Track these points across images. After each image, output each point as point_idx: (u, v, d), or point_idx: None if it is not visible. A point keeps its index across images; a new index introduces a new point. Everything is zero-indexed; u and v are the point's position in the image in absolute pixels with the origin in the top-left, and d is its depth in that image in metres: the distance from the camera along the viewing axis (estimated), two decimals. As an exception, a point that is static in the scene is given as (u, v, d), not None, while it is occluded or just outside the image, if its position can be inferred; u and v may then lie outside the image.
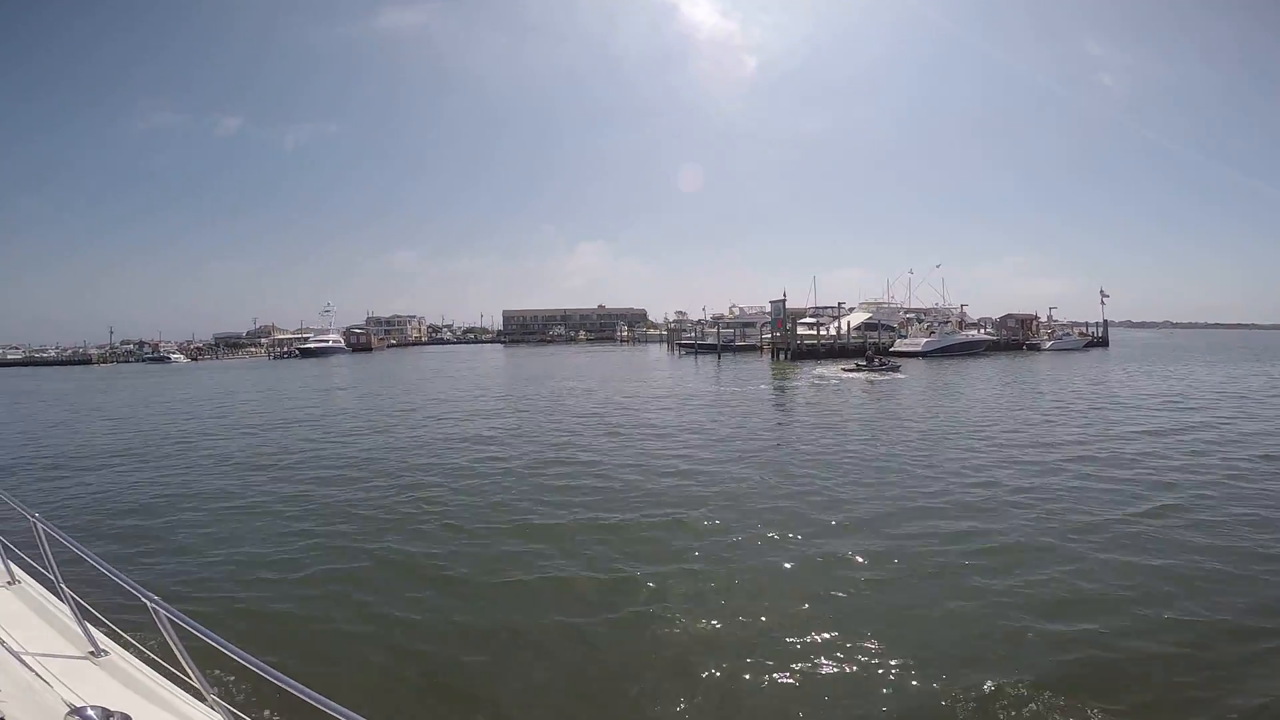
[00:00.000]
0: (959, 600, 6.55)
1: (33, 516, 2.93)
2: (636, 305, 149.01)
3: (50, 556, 2.93)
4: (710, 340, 61.44)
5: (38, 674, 2.42)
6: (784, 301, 51.43)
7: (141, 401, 31.35)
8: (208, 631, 1.96)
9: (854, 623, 6.09)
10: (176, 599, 6.07)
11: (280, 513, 10.18)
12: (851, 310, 60.50)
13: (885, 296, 66.79)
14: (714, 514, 9.65)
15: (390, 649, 5.82)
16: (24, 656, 2.52)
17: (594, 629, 6.12)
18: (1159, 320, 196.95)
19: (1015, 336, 60.44)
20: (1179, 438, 15.25)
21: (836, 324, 55.95)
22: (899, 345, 50.33)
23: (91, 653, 2.68)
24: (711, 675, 5.27)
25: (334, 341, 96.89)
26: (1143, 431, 16.12)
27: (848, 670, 5.33)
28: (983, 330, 60.95)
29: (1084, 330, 66.82)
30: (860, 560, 7.64)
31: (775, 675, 5.27)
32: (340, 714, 1.57)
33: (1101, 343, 63.66)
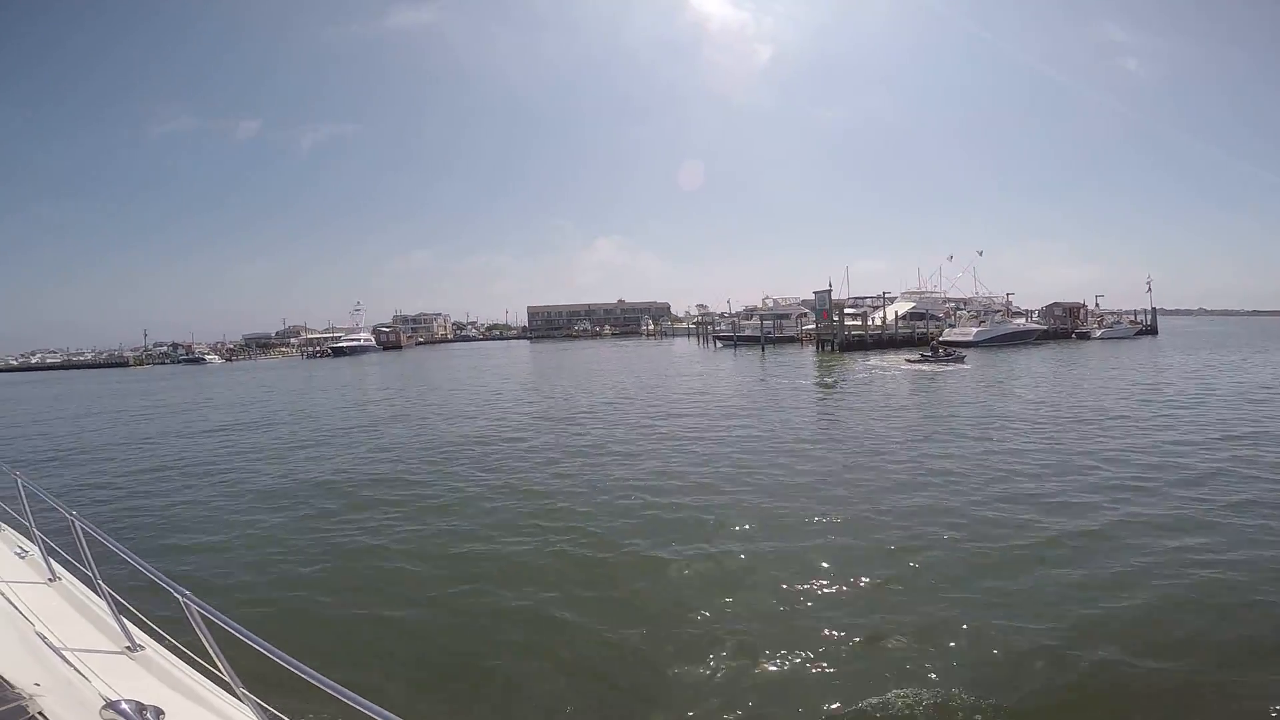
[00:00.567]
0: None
1: (70, 514, 2.99)
2: (654, 299, 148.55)
3: (89, 554, 3.00)
4: (749, 332, 60.52)
5: (75, 668, 2.48)
6: (830, 291, 50.32)
7: (250, 398, 31.50)
8: (237, 626, 1.95)
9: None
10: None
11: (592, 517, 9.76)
12: (893, 300, 59.30)
13: (917, 285, 65.42)
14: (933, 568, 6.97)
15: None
16: (63, 651, 2.60)
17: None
18: (1193, 308, 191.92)
19: (1063, 325, 58.77)
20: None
21: (881, 314, 54.82)
22: (947, 335, 49.04)
23: (128, 647, 2.73)
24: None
25: (365, 340, 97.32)
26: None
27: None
28: (1030, 319, 59.42)
29: (1133, 319, 64.86)
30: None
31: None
32: (372, 711, 1.57)
33: (1151, 330, 61.69)
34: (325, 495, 11.11)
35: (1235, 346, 44.64)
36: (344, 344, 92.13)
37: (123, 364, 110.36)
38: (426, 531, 8.97)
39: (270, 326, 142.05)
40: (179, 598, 2.15)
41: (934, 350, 33.92)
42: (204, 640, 2.18)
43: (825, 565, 7.15)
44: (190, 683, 2.54)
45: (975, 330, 49.89)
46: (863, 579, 6.74)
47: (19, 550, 3.98)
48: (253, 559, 8.19)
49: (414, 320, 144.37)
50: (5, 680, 2.16)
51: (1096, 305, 66.77)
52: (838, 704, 4.67)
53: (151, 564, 2.51)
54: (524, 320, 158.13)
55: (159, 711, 2.04)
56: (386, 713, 1.57)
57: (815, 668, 5.16)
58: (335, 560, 8.05)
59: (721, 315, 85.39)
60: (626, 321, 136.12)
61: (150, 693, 2.32)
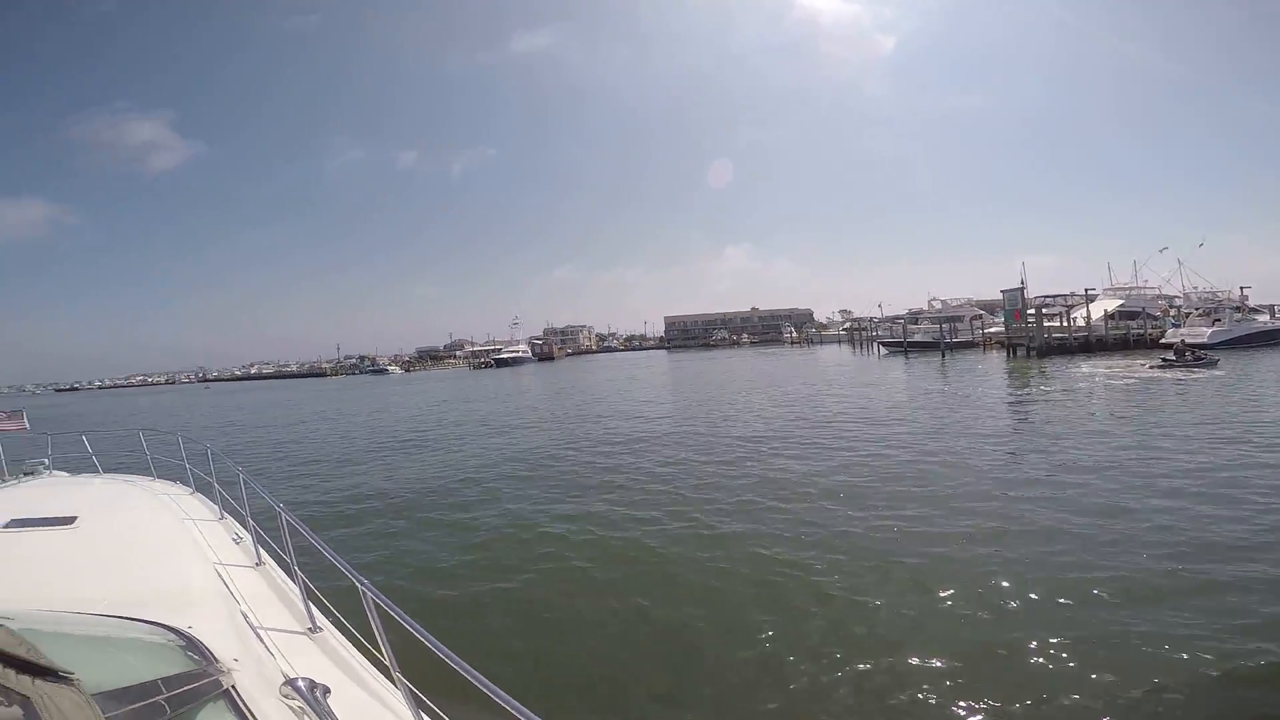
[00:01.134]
0: None
1: (278, 507, 3.33)
2: (792, 306, 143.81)
3: (289, 543, 3.30)
4: (919, 337, 56.14)
5: (266, 646, 2.68)
6: (1022, 289, 45.26)
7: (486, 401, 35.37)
8: (404, 615, 2.07)
9: None
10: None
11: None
12: (1094, 297, 52.01)
13: (1109, 281, 56.87)
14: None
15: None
16: (259, 630, 2.84)
17: None
18: None
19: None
20: None
21: (1085, 312, 48.30)
22: (1170, 336, 42.03)
23: (310, 628, 2.99)
24: None
25: (522, 352, 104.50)
26: None
27: None
28: (1275, 315, 49.28)
29: None
30: None
31: None
32: (516, 710, 1.60)
33: None
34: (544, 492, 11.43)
35: None
36: (505, 355, 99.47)
37: (321, 374, 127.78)
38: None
39: (438, 340, 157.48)
40: (359, 586, 2.33)
41: (1179, 353, 29.03)
42: (373, 626, 2.35)
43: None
44: (355, 664, 2.75)
45: (1210, 330, 42.19)
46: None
47: (235, 536, 4.41)
48: (433, 553, 8.65)
49: (562, 332, 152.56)
50: (212, 654, 2.30)
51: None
52: None
53: (341, 555, 2.69)
54: (660, 330, 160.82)
55: (326, 690, 2.19)
56: (532, 714, 1.58)
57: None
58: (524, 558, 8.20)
59: (875, 321, 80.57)
60: (765, 329, 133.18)
61: (322, 671, 2.54)
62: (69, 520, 4.14)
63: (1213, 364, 28.44)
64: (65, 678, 1.20)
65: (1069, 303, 53.87)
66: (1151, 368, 28.37)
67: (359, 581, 2.36)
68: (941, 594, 6.36)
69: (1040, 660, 5.16)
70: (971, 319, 61.34)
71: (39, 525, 4.07)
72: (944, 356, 46.70)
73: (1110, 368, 31.09)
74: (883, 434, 15.79)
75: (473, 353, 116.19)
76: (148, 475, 6.46)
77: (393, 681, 2.40)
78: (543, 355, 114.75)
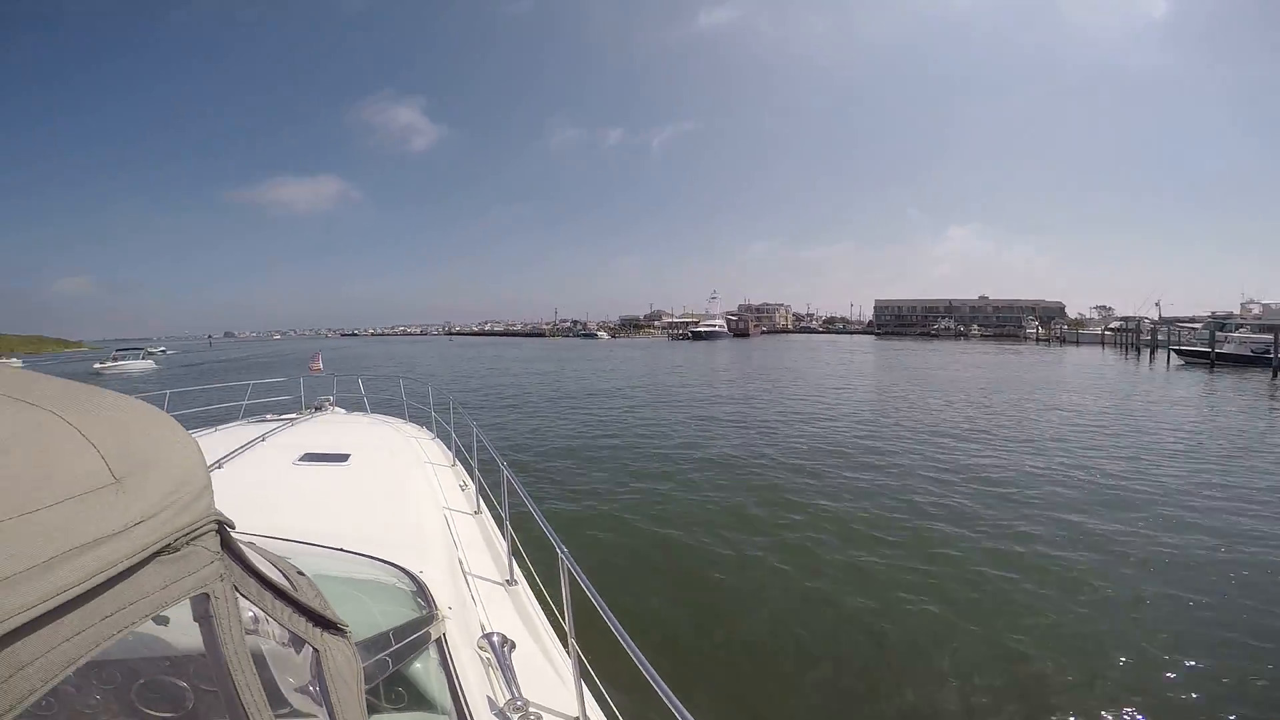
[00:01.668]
0: None
1: (502, 464, 3.66)
2: (1029, 297, 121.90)
3: (506, 498, 3.56)
4: (1231, 348, 42.88)
5: (472, 595, 2.85)
6: None
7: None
8: (593, 590, 2.11)
9: None
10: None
11: None
12: None
13: None
14: None
15: None
16: (470, 579, 3.01)
17: None
18: None
19: None
20: None
21: None
22: None
23: (507, 581, 3.18)
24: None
25: (719, 326, 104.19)
26: None
27: None
28: None
29: None
30: None
31: None
32: (675, 707, 1.60)
33: None
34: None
35: None
36: (702, 329, 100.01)
37: (540, 334, 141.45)
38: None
39: (639, 309, 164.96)
40: (559, 551, 2.42)
41: None
42: (563, 593, 2.40)
43: None
44: (538, 623, 2.86)
45: None
46: None
47: (462, 483, 4.71)
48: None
49: (757, 309, 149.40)
50: (435, 601, 2.35)
51: None
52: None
53: (550, 518, 2.77)
54: (868, 314, 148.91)
55: (513, 645, 2.31)
56: (688, 715, 1.57)
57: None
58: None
59: (1154, 322, 64.12)
60: (1001, 322, 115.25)
61: (511, 626, 2.66)
62: (344, 458, 4.60)
63: None
64: (341, 630, 1.22)
65: None
66: None
67: (559, 548, 2.42)
68: None
69: None
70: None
71: (322, 461, 4.53)
72: (1275, 374, 34.88)
73: None
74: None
75: (670, 324, 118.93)
76: (401, 418, 7.27)
77: (566, 649, 2.43)
78: (738, 331, 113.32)
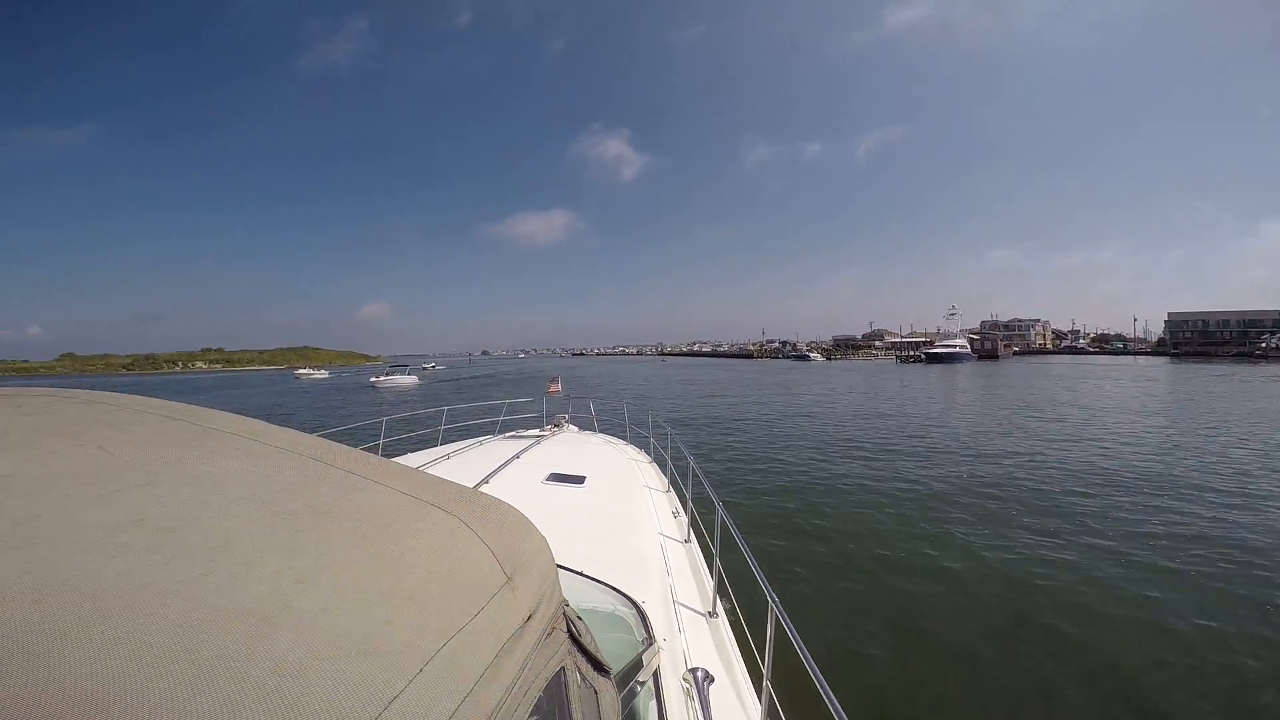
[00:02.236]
0: None
1: (717, 502, 3.41)
2: None
3: (718, 533, 3.34)
4: None
5: (680, 627, 2.76)
6: None
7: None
8: (795, 633, 2.03)
9: None
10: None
11: None
12: None
13: None
14: None
15: None
16: (679, 609, 2.95)
17: None
18: None
19: None
20: None
21: None
22: None
23: (709, 613, 3.05)
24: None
25: (960, 347, 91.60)
26: None
27: None
28: None
29: None
30: None
31: None
32: None
33: None
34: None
35: None
36: (939, 350, 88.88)
37: (748, 355, 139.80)
38: None
39: (854, 328, 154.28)
40: (768, 597, 2.27)
41: None
42: (767, 635, 2.26)
43: None
44: (733, 658, 2.70)
45: None
46: None
47: (674, 510, 4.74)
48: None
49: (1006, 326, 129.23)
50: (652, 630, 2.37)
51: None
52: None
53: (759, 558, 2.66)
54: (1157, 330, 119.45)
55: (712, 680, 2.27)
56: None
57: None
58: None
59: None
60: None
61: (710, 661, 2.58)
62: (580, 480, 4.88)
63: None
64: (608, 671, 1.22)
65: None
66: None
67: (769, 594, 2.30)
68: None
69: None
70: None
71: (564, 482, 4.81)
72: None
73: None
74: None
75: (896, 344, 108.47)
76: (624, 439, 7.61)
77: (759, 687, 2.40)
78: (984, 352, 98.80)
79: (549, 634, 0.96)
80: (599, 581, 2.71)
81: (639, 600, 2.60)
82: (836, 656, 5.47)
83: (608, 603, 2.56)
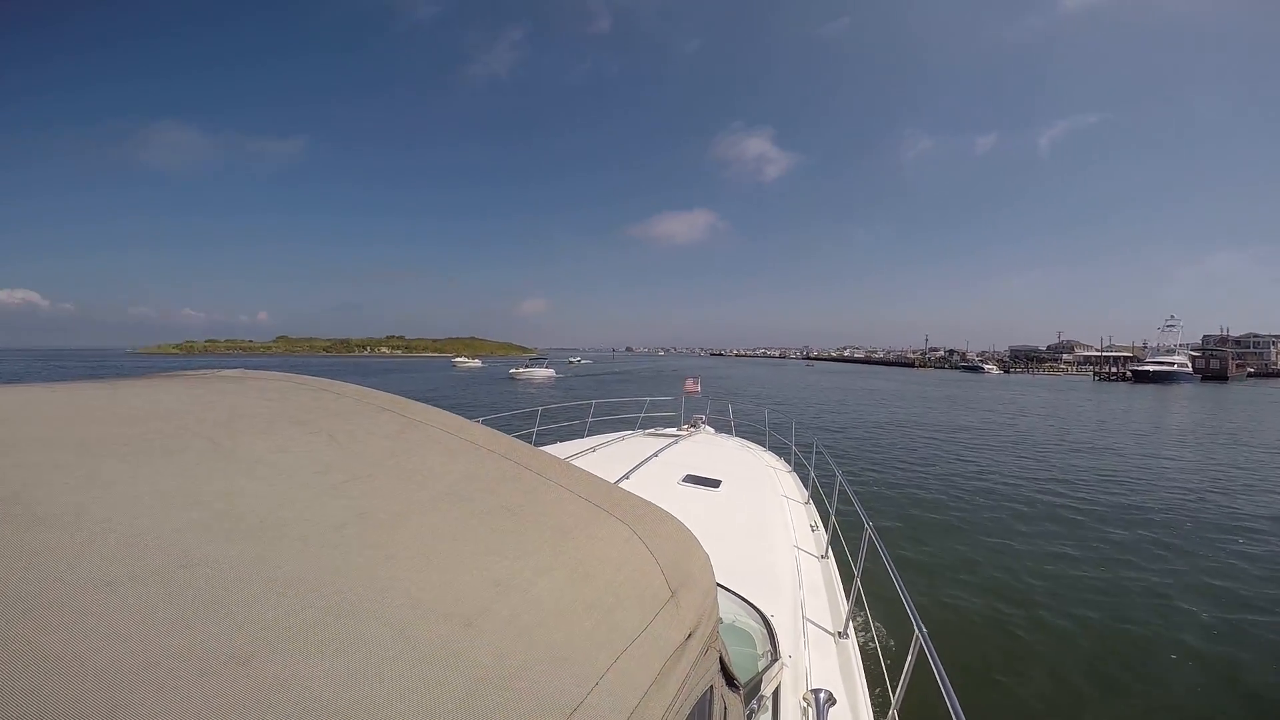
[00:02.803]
0: None
1: (867, 522, 3.25)
2: None
3: (863, 554, 3.23)
4: None
5: (806, 645, 2.65)
6: None
7: None
8: (940, 666, 1.95)
9: None
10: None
11: None
12: None
13: None
14: None
15: None
16: (807, 626, 2.84)
17: None
18: None
19: None
20: None
21: None
22: None
23: (839, 633, 2.90)
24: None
25: (1179, 366, 76.79)
26: None
27: None
28: None
29: None
30: None
31: None
32: None
33: None
34: None
35: None
36: (1149, 367, 75.31)
37: (908, 364, 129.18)
38: None
39: (1038, 339, 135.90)
40: (915, 624, 2.17)
41: None
42: (905, 662, 2.18)
43: None
44: (858, 683, 2.54)
45: None
46: None
47: (813, 524, 4.60)
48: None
49: (1238, 342, 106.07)
50: (779, 650, 2.28)
51: None
52: None
53: (909, 585, 2.49)
54: None
55: (834, 703, 2.20)
56: None
57: None
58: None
59: None
60: None
61: (834, 681, 2.46)
62: (716, 484, 4.78)
63: None
64: (738, 686, 1.22)
65: None
66: None
67: (917, 624, 2.18)
68: None
69: None
70: None
71: (699, 484, 4.73)
72: None
73: None
74: None
75: (1093, 358, 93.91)
76: (762, 445, 7.39)
77: (884, 715, 2.30)
78: (1209, 372, 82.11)
79: (705, 652, 0.95)
80: (728, 590, 2.67)
81: (768, 613, 2.54)
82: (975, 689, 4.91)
83: (733, 612, 2.52)
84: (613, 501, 1.08)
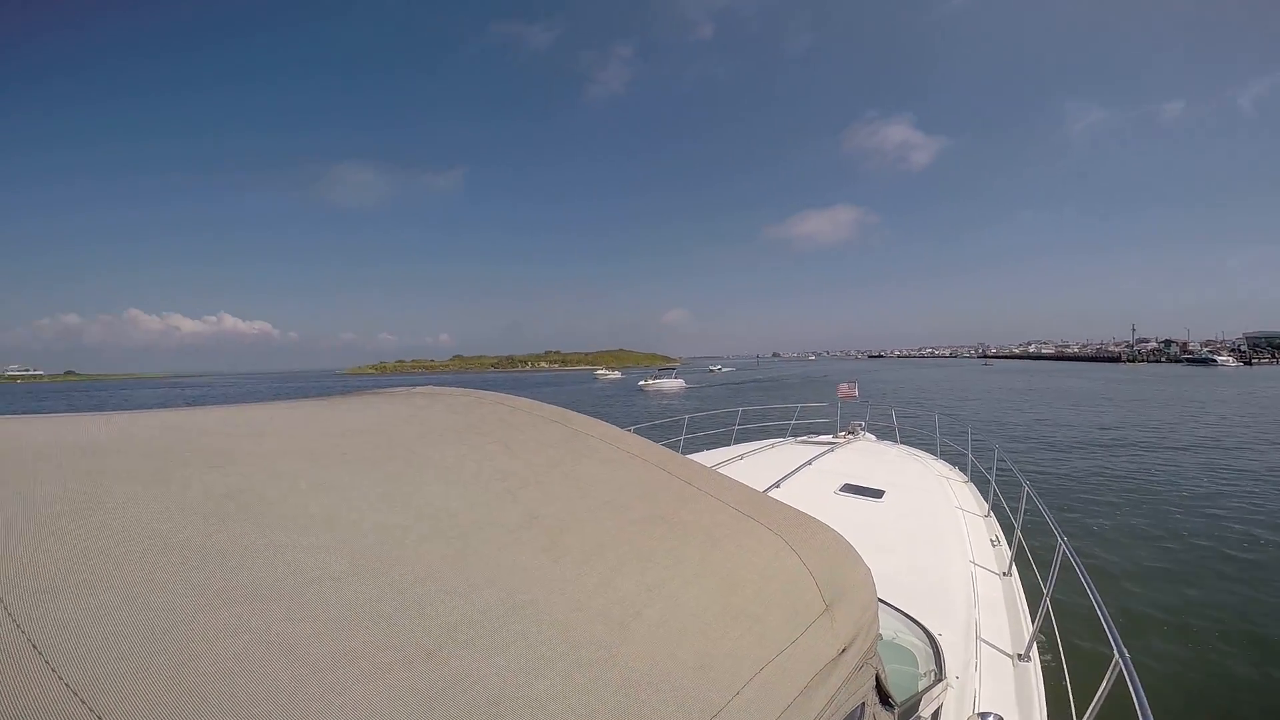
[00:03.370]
0: None
1: (1061, 537, 3.04)
2: None
3: (1055, 574, 2.93)
4: None
5: (977, 667, 2.48)
6: None
7: None
8: (1143, 701, 1.73)
9: None
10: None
11: None
12: None
13: None
14: None
15: None
16: (980, 646, 2.66)
17: None
18: None
19: None
20: None
21: None
22: None
23: (1019, 655, 2.72)
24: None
25: None
26: None
27: None
28: None
29: None
30: None
31: None
32: None
33: None
34: None
35: None
36: None
37: (1113, 359, 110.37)
38: None
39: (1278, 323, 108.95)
40: (1117, 653, 2.03)
41: None
42: (1099, 688, 2.06)
43: None
44: (1036, 712, 2.34)
45: None
46: None
47: (994, 539, 4.22)
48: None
49: None
50: (944, 666, 2.19)
51: None
52: None
53: (1114, 610, 2.43)
54: None
55: None
56: None
57: None
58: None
59: None
60: None
61: (1008, 707, 2.32)
62: (879, 494, 4.60)
63: None
64: (893, 706, 1.19)
65: None
66: None
67: (1118, 648, 2.00)
68: None
69: None
70: None
71: (859, 494, 4.56)
72: None
73: None
74: None
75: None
76: (933, 453, 6.95)
77: None
78: None
79: (859, 668, 0.95)
80: (890, 606, 2.60)
81: (935, 631, 2.46)
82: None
83: (895, 629, 2.47)
84: (763, 510, 1.09)
